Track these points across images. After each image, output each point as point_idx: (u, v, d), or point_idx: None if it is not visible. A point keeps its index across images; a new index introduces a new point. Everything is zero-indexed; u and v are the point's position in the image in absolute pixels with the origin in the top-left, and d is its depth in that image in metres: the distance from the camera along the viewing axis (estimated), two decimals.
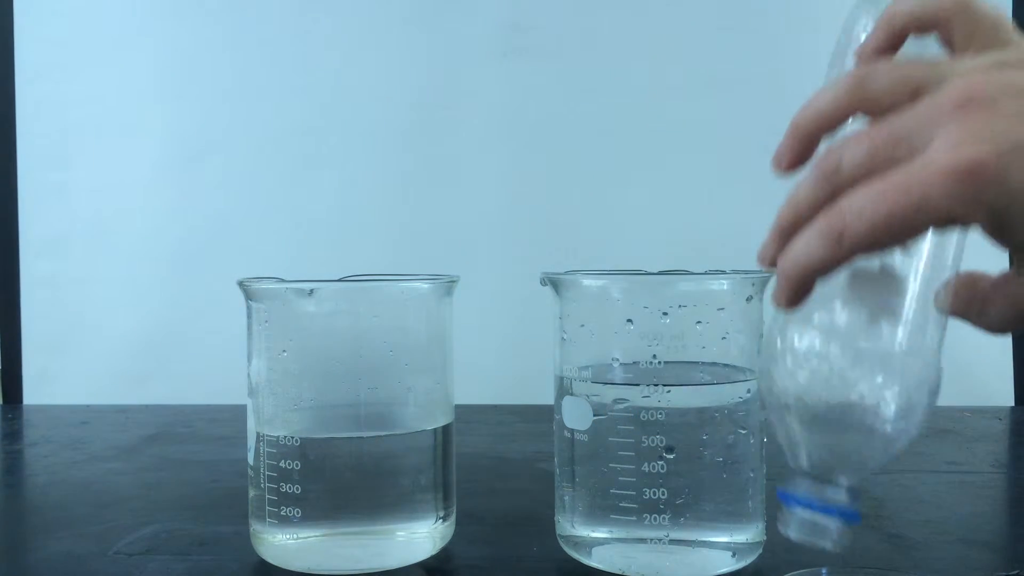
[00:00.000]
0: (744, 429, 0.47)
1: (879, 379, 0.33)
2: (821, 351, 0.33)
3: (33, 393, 1.17)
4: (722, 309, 0.47)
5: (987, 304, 0.34)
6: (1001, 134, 0.28)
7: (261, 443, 0.49)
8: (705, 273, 0.48)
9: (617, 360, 0.47)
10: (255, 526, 0.50)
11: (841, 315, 0.33)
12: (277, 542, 0.49)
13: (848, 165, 0.30)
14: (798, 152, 0.33)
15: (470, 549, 0.52)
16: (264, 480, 0.48)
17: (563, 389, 0.49)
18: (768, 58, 1.09)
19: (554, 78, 1.12)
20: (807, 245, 0.30)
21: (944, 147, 0.28)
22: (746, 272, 0.47)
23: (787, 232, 0.32)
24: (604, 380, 0.47)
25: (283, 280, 0.49)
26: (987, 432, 0.86)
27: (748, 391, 0.47)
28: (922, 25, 0.33)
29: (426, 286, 0.51)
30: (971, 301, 0.35)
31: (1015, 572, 0.48)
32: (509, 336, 1.09)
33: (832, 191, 0.31)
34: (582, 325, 0.48)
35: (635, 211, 1.10)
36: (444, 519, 0.51)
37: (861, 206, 0.29)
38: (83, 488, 0.67)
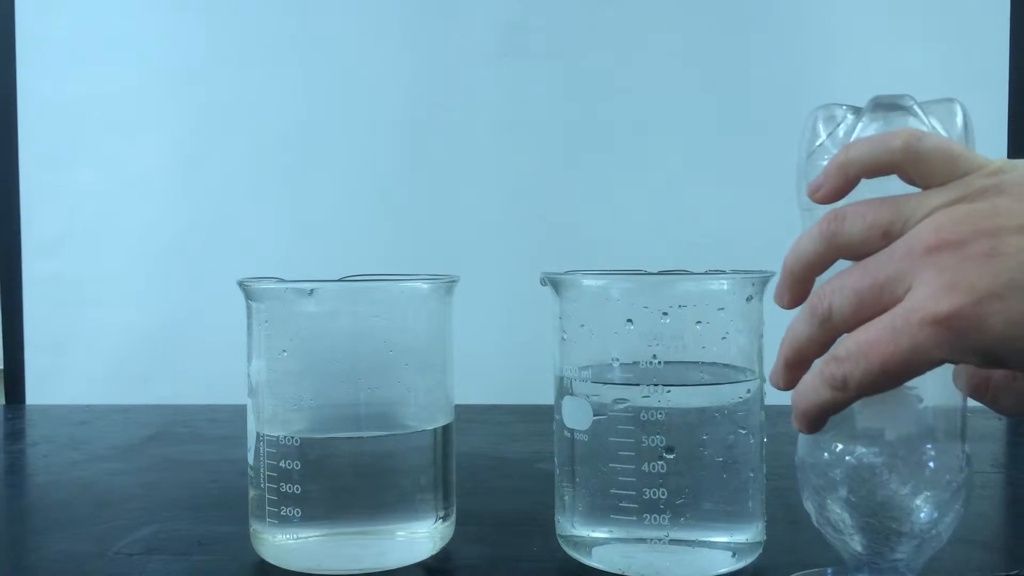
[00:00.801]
0: (744, 429, 0.47)
1: (913, 479, 0.36)
2: (858, 454, 0.37)
3: (36, 393, 1.17)
4: (722, 309, 0.47)
5: (999, 394, 0.38)
6: (975, 282, 0.30)
7: (261, 443, 0.49)
8: (705, 273, 0.48)
9: (617, 360, 0.47)
10: (255, 526, 0.50)
11: (872, 421, 0.37)
12: (277, 542, 0.49)
13: (838, 313, 0.34)
14: (796, 293, 0.36)
15: (470, 549, 0.53)
16: (264, 480, 0.48)
17: (563, 389, 0.49)
18: (768, 58, 1.09)
19: (554, 78, 1.11)
20: (816, 391, 0.34)
21: (923, 296, 0.30)
22: (746, 272, 0.47)
23: (792, 365, 0.36)
24: (604, 380, 0.47)
25: (283, 280, 0.49)
26: (987, 432, 0.86)
27: (748, 391, 0.47)
28: (875, 172, 0.34)
29: (426, 286, 0.51)
30: (984, 390, 0.38)
31: (1015, 572, 0.48)
32: (509, 336, 1.09)
33: (827, 334, 0.34)
34: (582, 325, 0.48)
35: (635, 211, 1.10)
36: (444, 519, 0.51)
37: (858, 355, 0.32)
38: (83, 488, 0.67)
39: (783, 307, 0.37)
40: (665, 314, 0.46)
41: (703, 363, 0.46)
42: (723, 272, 0.48)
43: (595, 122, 1.11)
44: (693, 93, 1.11)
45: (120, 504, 0.62)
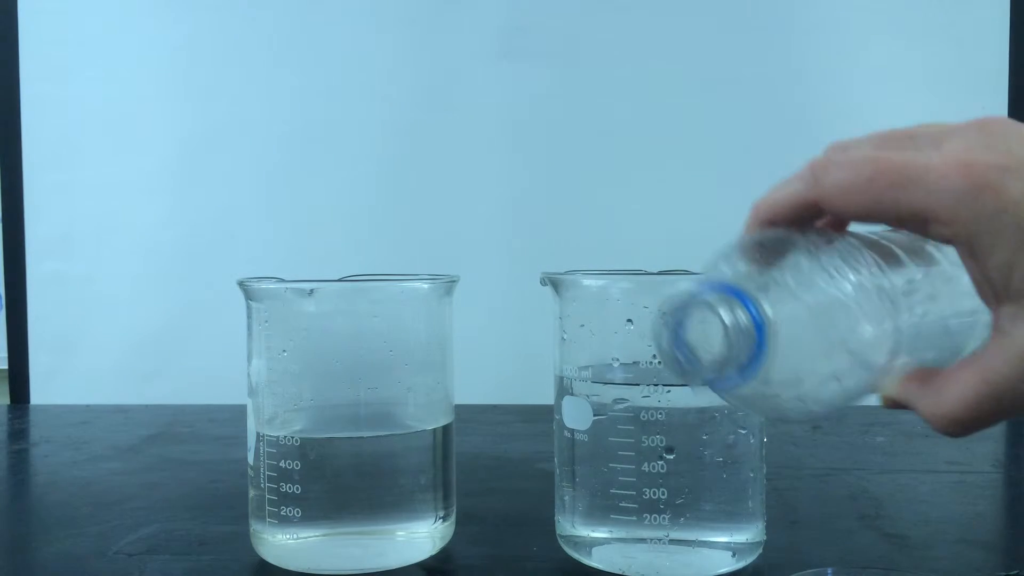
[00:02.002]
0: (744, 429, 0.47)
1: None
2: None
3: (40, 392, 1.17)
4: None
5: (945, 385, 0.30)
6: (1017, 150, 0.27)
7: (261, 443, 0.49)
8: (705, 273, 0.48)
9: (617, 360, 0.47)
10: (255, 526, 0.50)
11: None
12: (277, 542, 0.49)
13: (857, 143, 0.30)
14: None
15: (470, 549, 0.52)
16: (264, 480, 0.48)
17: (563, 389, 0.49)
18: (766, 59, 1.09)
19: (553, 79, 1.12)
20: (785, 180, 0.31)
21: (955, 147, 0.28)
22: None
23: (761, 220, 0.32)
24: (604, 380, 0.47)
25: (283, 280, 0.49)
26: (986, 432, 0.86)
27: None
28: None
29: (426, 286, 0.51)
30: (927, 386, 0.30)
31: (1015, 572, 0.48)
32: (509, 336, 1.09)
33: (821, 196, 0.30)
34: (582, 325, 0.48)
35: (635, 211, 1.10)
36: (444, 519, 0.51)
37: (852, 160, 0.29)
38: (83, 488, 0.67)
39: None
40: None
41: None
42: None
43: (594, 122, 1.11)
44: (692, 93, 1.11)
45: (120, 504, 0.62)
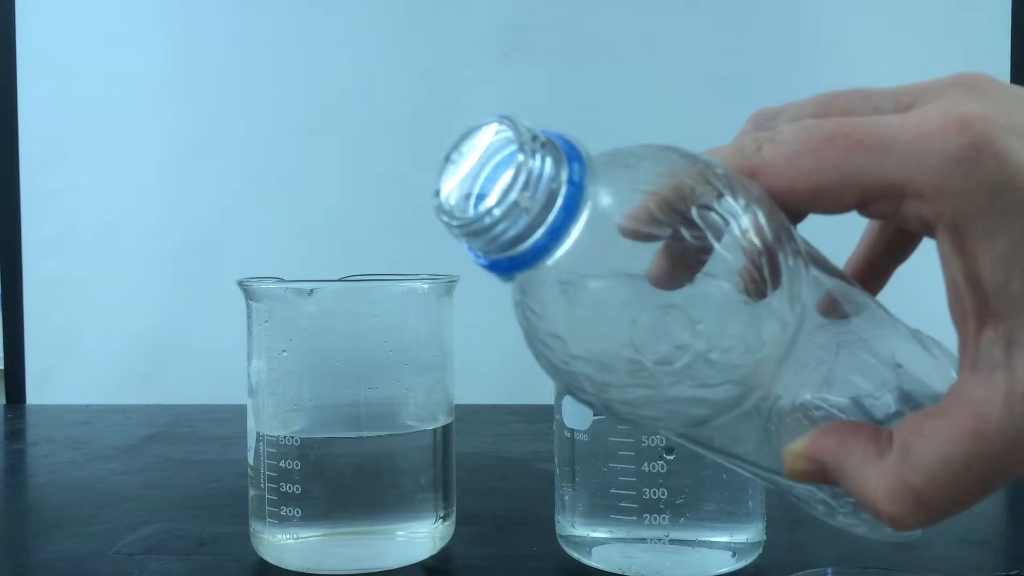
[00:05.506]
0: None
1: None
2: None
3: (36, 393, 1.17)
4: None
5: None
6: (1016, 112, 0.21)
7: (261, 443, 0.49)
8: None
9: None
10: (255, 526, 0.50)
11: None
12: (277, 542, 0.49)
13: (792, 110, 0.25)
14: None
15: (470, 549, 0.53)
16: (264, 480, 0.48)
17: (563, 389, 0.49)
18: (768, 58, 1.09)
19: (554, 79, 1.12)
20: (716, 149, 0.25)
21: (937, 106, 0.22)
22: None
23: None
24: None
25: (283, 280, 0.49)
26: None
27: None
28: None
29: (426, 286, 0.51)
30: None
31: (1015, 572, 0.48)
32: (509, 336, 1.08)
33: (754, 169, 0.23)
34: None
35: None
36: (444, 519, 0.51)
37: (804, 126, 0.22)
38: (83, 488, 0.67)
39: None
40: None
41: None
42: None
43: (594, 122, 1.11)
44: (694, 92, 1.11)
45: (120, 504, 0.62)
